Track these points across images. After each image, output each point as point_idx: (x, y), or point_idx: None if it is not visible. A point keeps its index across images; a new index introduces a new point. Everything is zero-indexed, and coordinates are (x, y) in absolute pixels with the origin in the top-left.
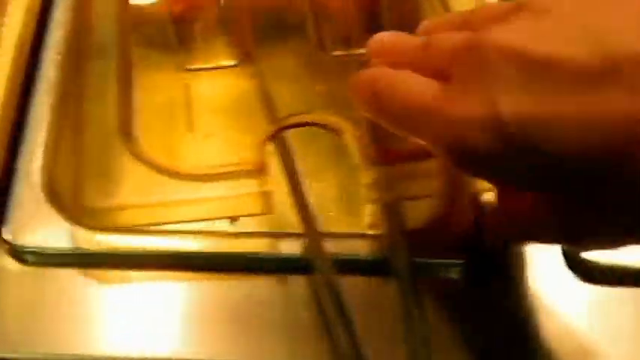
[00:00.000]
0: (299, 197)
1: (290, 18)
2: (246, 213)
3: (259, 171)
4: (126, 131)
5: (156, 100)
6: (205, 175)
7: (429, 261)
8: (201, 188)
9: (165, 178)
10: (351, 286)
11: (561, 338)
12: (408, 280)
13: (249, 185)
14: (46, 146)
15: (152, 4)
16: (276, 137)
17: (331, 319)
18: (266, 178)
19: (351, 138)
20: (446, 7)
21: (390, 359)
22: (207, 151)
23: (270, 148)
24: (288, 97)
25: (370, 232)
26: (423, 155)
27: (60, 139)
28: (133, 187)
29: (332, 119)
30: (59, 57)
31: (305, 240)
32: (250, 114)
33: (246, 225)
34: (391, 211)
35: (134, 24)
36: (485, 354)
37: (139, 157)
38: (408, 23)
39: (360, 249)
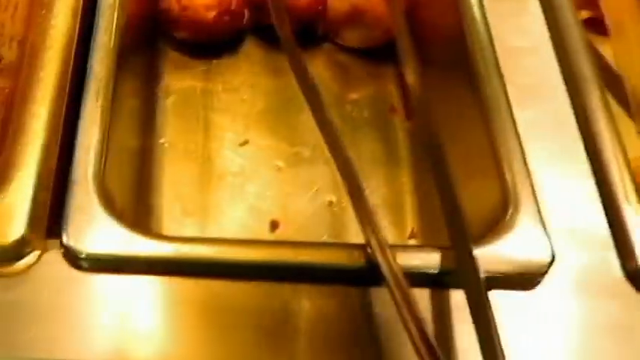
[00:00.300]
0: (363, 208)
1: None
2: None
3: None
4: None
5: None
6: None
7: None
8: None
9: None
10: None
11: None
12: (479, 292)
13: None
14: (99, 150)
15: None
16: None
17: (410, 333)
18: None
19: None
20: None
21: None
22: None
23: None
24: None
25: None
26: None
27: (112, 142)
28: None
29: None
30: (107, 58)
31: (371, 251)
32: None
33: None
34: (457, 224)
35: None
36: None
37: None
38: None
39: (428, 261)
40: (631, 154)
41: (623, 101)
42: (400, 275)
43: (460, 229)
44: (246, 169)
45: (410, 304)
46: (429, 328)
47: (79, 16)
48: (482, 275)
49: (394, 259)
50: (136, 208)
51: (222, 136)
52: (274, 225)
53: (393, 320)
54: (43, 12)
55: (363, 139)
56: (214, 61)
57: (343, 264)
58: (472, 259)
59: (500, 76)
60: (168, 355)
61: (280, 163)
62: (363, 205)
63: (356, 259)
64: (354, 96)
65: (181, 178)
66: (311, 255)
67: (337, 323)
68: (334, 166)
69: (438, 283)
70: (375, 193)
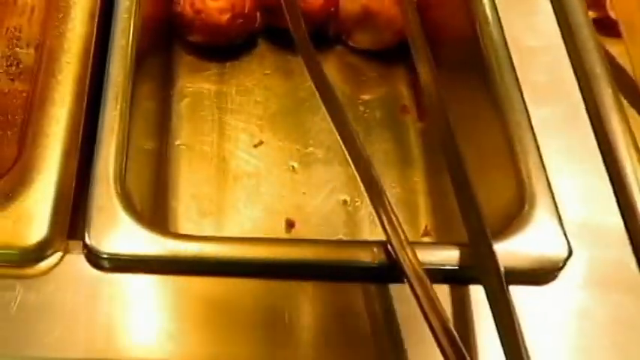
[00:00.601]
0: (382, 206)
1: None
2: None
3: None
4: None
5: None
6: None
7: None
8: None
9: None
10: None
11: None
12: (500, 288)
13: None
14: (119, 153)
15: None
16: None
17: (432, 328)
18: None
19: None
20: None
21: None
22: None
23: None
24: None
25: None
26: None
27: (131, 145)
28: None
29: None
30: (125, 61)
31: (393, 249)
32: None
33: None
34: (475, 220)
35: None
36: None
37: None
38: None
39: (447, 258)
40: None
41: (636, 103)
42: (421, 272)
43: (478, 225)
44: (261, 169)
45: (432, 300)
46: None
47: (96, 20)
48: (502, 270)
49: (415, 255)
50: (155, 209)
51: (236, 138)
52: (290, 224)
53: (413, 316)
54: (61, 16)
55: (376, 139)
56: (228, 64)
57: (363, 261)
58: (492, 255)
59: (515, 74)
60: (189, 353)
61: (295, 164)
62: (382, 204)
63: (376, 257)
64: (366, 97)
65: (197, 179)
66: (331, 253)
67: (358, 320)
68: (347, 166)
69: (457, 279)
70: (389, 192)
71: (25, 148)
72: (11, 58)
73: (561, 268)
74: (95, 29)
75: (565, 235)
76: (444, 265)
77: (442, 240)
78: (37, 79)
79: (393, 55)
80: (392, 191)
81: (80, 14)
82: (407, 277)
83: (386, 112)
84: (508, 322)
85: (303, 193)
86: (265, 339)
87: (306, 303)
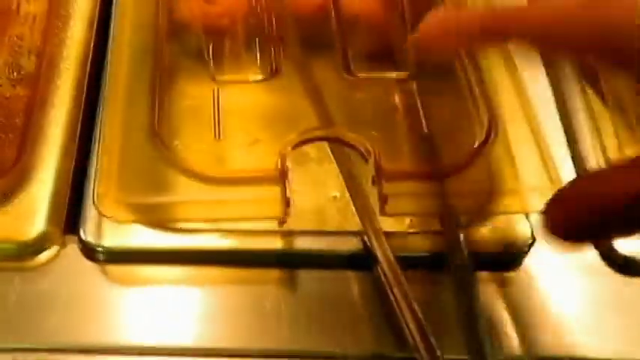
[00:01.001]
0: (360, 198)
1: (319, 39)
2: (264, 216)
3: (280, 178)
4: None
5: (187, 108)
6: (228, 178)
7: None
8: (225, 191)
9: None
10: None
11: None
12: (466, 275)
13: (270, 190)
14: (114, 151)
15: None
16: (297, 148)
17: (400, 311)
18: (286, 185)
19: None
20: None
21: (453, 348)
22: (232, 157)
23: (291, 157)
24: (310, 112)
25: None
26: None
27: (127, 145)
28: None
29: (350, 135)
30: (122, 66)
31: (366, 238)
32: (275, 125)
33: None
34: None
35: (170, 35)
36: (521, 340)
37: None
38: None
39: (420, 246)
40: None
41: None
42: (391, 257)
43: (449, 215)
44: (257, 168)
45: (401, 285)
46: (420, 306)
47: (95, 27)
48: (467, 256)
49: (386, 243)
50: (151, 206)
51: (233, 136)
52: (281, 220)
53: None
54: (61, 24)
55: None
56: (225, 64)
57: (341, 250)
58: (458, 242)
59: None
60: (184, 340)
61: (288, 163)
62: (360, 196)
63: (354, 245)
64: None
65: (194, 176)
66: (314, 242)
67: (339, 305)
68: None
69: (431, 265)
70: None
71: (25, 149)
72: (13, 65)
73: (525, 253)
74: (94, 35)
75: (529, 222)
76: (418, 252)
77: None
78: (38, 84)
79: None
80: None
81: (79, 22)
82: (378, 263)
83: None
84: (469, 305)
85: (295, 190)
86: (250, 324)
87: (285, 289)
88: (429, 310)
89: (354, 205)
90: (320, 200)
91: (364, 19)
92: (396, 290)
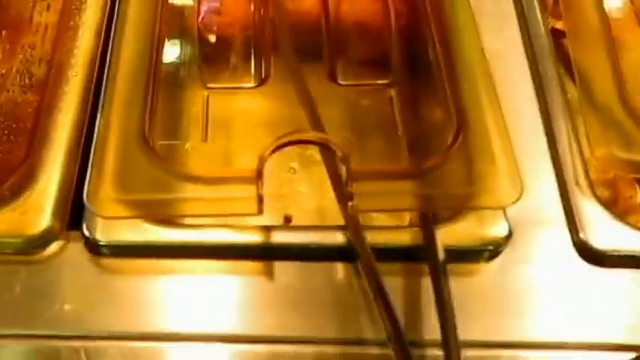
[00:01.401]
0: (344, 196)
1: (309, 48)
2: (240, 212)
3: (258, 177)
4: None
5: (178, 112)
6: (211, 178)
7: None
8: (207, 189)
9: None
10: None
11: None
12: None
13: (248, 189)
14: (115, 152)
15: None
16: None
17: (374, 299)
18: (262, 184)
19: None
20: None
21: (421, 332)
22: (217, 159)
23: (271, 159)
24: (294, 118)
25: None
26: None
27: (129, 146)
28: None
29: (326, 138)
30: (120, 73)
31: (349, 233)
32: (259, 130)
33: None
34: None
35: (167, 44)
36: (497, 328)
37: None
38: (415, 62)
39: (398, 239)
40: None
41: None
42: (368, 249)
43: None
44: (264, 170)
45: (375, 275)
46: (394, 295)
47: (102, 37)
48: (441, 249)
49: (365, 236)
50: (139, 202)
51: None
52: (287, 219)
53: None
54: (70, 34)
55: None
56: (234, 67)
57: (329, 244)
58: (433, 237)
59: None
60: (183, 328)
61: (295, 165)
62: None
63: (338, 239)
64: None
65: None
66: (303, 237)
67: (325, 294)
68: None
69: (409, 257)
70: None
71: (32, 151)
72: (25, 72)
73: (502, 245)
74: (101, 44)
75: (506, 217)
76: (397, 245)
77: None
78: (46, 90)
79: None
80: None
81: (87, 32)
82: (358, 255)
83: None
84: (442, 293)
85: (301, 191)
86: (249, 311)
87: (277, 280)
88: (404, 298)
89: (337, 202)
90: (324, 200)
91: (354, 29)
92: (371, 280)
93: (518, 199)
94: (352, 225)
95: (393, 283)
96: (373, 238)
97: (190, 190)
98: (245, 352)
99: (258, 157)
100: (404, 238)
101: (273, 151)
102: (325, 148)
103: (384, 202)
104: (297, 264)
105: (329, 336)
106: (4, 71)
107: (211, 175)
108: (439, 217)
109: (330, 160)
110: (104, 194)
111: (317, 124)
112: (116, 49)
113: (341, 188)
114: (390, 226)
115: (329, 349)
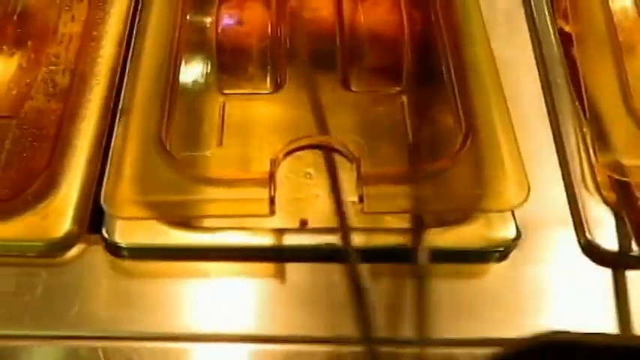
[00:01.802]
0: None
1: (322, 58)
2: (252, 213)
3: (270, 180)
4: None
5: (194, 118)
6: (225, 180)
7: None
8: (221, 191)
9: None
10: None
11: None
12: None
13: (260, 192)
14: (133, 159)
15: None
16: (289, 154)
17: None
18: (274, 186)
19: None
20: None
21: (396, 327)
22: (231, 163)
23: (287, 164)
24: (307, 123)
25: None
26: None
27: (135, 150)
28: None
29: (336, 142)
30: (139, 80)
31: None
32: (273, 134)
33: None
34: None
35: (185, 52)
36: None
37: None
38: (426, 70)
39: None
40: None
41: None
42: (352, 251)
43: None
44: (280, 175)
45: (357, 273)
46: (395, 295)
47: (124, 47)
48: (424, 251)
49: (351, 238)
50: (154, 204)
51: (260, 146)
52: (303, 223)
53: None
54: (93, 44)
55: None
56: (250, 75)
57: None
58: (419, 237)
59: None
60: (198, 328)
61: (311, 170)
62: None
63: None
64: None
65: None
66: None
67: (339, 294)
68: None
69: (397, 258)
70: None
71: (55, 157)
72: (49, 81)
73: (511, 247)
74: (122, 54)
75: (514, 219)
76: (386, 246)
77: None
78: (69, 98)
79: None
80: None
81: (110, 42)
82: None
83: None
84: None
85: (317, 195)
86: (264, 311)
87: (277, 279)
88: (388, 297)
89: (335, 206)
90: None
91: (367, 38)
92: (354, 279)
93: (525, 201)
94: (341, 223)
95: (400, 285)
96: (382, 240)
97: (205, 192)
98: (260, 352)
99: (270, 160)
100: (389, 240)
101: (286, 155)
102: (336, 152)
103: (393, 205)
104: (310, 265)
105: (343, 335)
106: (29, 80)
107: (226, 177)
108: (448, 220)
109: (331, 163)
110: (121, 195)
111: (325, 129)
112: (136, 58)
113: (337, 189)
114: (375, 228)
115: (343, 349)
